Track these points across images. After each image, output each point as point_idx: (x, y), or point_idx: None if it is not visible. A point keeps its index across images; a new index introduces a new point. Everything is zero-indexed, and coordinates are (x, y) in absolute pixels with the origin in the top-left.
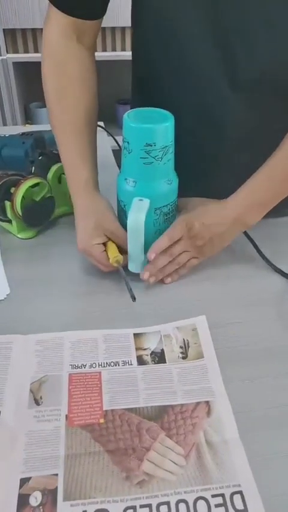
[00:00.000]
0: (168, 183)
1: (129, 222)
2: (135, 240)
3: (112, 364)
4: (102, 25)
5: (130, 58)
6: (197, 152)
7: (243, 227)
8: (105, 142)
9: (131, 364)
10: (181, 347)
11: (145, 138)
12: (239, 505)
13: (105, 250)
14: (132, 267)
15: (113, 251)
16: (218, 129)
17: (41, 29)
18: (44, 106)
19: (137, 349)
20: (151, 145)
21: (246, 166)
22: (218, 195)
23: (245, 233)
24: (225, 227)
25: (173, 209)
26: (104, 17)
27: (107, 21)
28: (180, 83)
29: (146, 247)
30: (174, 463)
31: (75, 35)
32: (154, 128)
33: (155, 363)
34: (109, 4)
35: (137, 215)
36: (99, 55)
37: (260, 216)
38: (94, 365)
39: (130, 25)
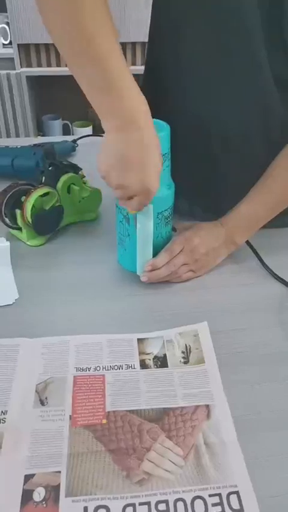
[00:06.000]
0: (168, 188)
1: (139, 228)
2: (144, 245)
3: (116, 367)
4: (123, 40)
5: None
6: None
7: (233, 245)
8: None
9: (134, 368)
10: (183, 352)
11: None
12: (235, 505)
13: None
14: (141, 271)
15: None
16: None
17: (53, 44)
18: (56, 118)
19: (140, 353)
20: None
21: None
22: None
23: (248, 243)
24: (219, 242)
25: (172, 212)
26: (126, 33)
27: (129, 36)
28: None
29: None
30: (173, 463)
31: None
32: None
33: (157, 367)
34: (131, 21)
35: (145, 221)
36: None
37: (247, 235)
38: (98, 368)
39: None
